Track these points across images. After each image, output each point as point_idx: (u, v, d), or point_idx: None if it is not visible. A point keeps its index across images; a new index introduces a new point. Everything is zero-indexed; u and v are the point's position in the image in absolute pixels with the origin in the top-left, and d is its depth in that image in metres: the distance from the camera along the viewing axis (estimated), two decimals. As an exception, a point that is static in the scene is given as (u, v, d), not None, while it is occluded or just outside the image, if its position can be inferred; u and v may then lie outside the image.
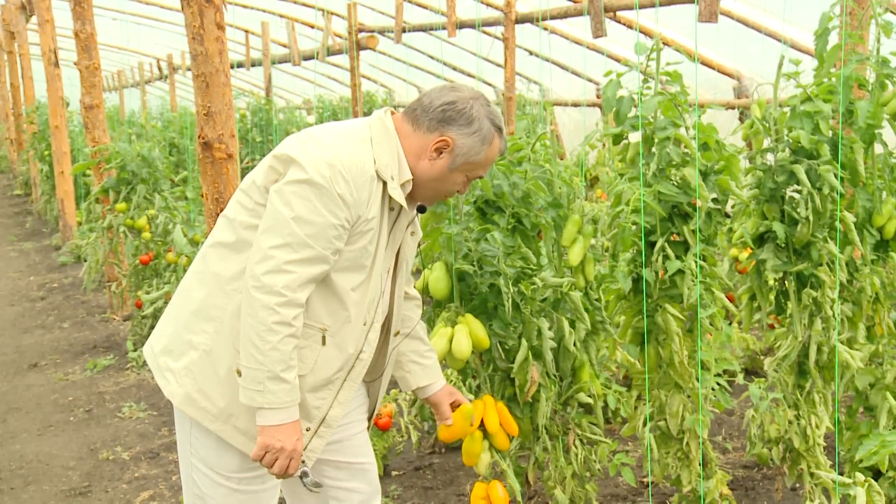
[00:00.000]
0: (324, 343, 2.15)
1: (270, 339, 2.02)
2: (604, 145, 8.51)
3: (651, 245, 2.91)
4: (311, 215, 2.03)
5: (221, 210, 2.29)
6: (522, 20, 8.02)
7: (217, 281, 2.16)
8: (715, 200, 2.90)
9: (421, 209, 2.33)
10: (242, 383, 2.07)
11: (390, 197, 2.16)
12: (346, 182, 2.05)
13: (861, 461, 2.61)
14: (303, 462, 2.18)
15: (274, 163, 2.13)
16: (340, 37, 10.53)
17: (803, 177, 2.89)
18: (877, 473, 3.17)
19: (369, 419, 2.49)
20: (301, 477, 2.19)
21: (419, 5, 9.82)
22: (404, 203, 2.19)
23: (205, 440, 2.21)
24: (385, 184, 2.14)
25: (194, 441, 2.23)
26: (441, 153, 2.18)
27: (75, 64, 6.45)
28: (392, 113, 2.25)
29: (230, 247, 2.16)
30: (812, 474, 3.12)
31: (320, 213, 2.03)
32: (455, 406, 2.60)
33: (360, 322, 2.20)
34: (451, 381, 4.03)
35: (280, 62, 12.40)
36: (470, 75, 11.40)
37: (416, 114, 2.19)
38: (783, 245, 3.05)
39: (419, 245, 2.99)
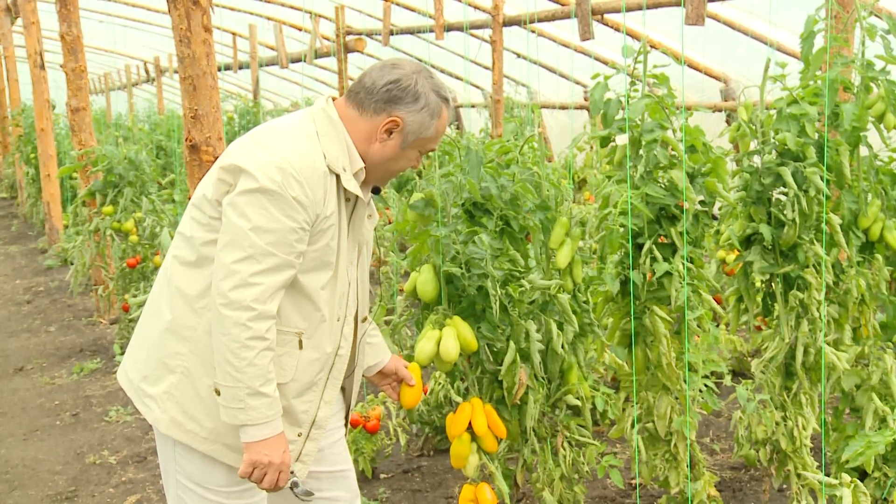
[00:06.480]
0: (301, 347, 2.13)
1: (246, 356, 1.98)
2: (591, 148, 8.53)
3: (639, 247, 2.91)
4: (268, 223, 1.99)
5: (208, 213, 2.24)
6: (510, 23, 8.04)
7: (184, 300, 2.12)
8: (702, 202, 2.90)
9: (375, 191, 2.28)
10: (222, 402, 2.03)
11: (345, 189, 2.12)
12: (299, 184, 2.01)
13: (847, 462, 2.62)
14: (292, 473, 2.15)
15: (222, 174, 2.08)
16: (328, 39, 10.53)
17: (789, 179, 2.90)
18: (863, 474, 3.19)
19: (345, 424, 2.47)
20: (291, 488, 2.15)
21: (407, 8, 9.81)
22: (360, 193, 2.15)
23: (190, 457, 2.17)
24: (338, 177, 2.10)
25: (179, 458, 2.19)
26: (391, 134, 2.14)
27: (61, 66, 6.43)
28: (334, 99, 2.20)
29: (192, 265, 2.12)
30: (799, 475, 3.13)
31: (278, 220, 1.99)
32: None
33: (334, 319, 2.17)
34: (440, 383, 4.03)
35: (267, 65, 12.40)
36: (458, 78, 11.40)
37: (360, 97, 2.14)
38: (770, 247, 3.07)
39: (403, 251, 2.98)
